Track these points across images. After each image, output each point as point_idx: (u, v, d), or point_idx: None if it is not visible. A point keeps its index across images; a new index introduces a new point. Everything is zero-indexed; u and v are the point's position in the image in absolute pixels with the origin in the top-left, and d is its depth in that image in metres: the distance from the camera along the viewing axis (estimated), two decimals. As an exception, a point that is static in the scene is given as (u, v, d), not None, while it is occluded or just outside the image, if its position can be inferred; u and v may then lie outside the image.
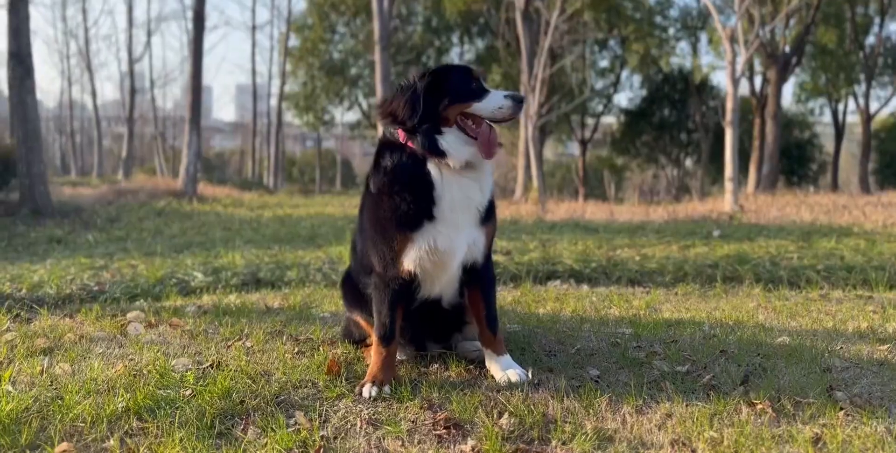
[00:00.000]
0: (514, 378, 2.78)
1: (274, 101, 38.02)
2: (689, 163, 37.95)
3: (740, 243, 6.68)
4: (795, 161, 32.44)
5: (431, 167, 2.65)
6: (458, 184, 2.66)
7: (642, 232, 8.05)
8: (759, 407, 2.48)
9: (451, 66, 2.82)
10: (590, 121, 35.93)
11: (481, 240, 2.78)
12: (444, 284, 2.83)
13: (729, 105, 13.16)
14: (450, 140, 2.63)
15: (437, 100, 2.63)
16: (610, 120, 38.00)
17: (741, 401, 2.53)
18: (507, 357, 2.88)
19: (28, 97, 12.43)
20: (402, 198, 2.66)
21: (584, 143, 35.70)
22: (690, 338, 3.35)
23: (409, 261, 2.70)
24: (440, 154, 2.62)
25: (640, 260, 5.63)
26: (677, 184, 37.58)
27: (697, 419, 2.39)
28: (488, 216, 2.79)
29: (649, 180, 44.50)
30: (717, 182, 34.09)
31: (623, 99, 72.84)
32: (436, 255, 2.69)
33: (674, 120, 34.56)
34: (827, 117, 33.62)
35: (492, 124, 2.70)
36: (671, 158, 36.85)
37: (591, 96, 31.22)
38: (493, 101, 2.65)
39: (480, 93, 2.67)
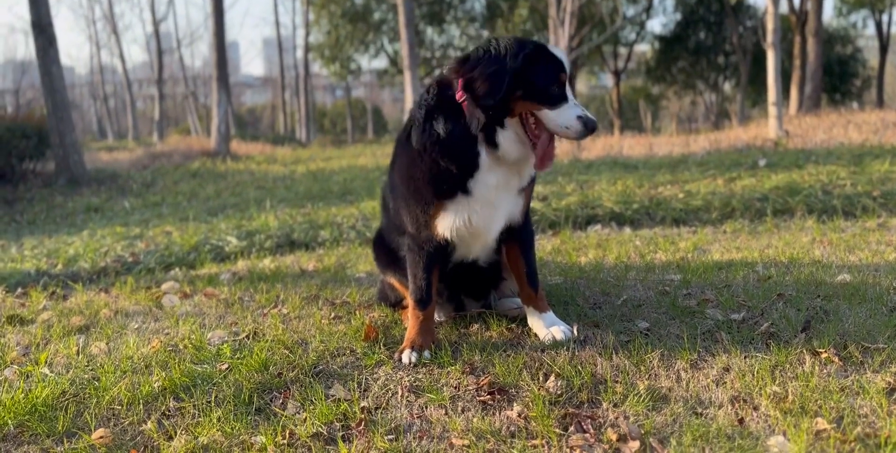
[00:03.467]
0: (558, 336, 2.65)
1: (300, 53, 37.58)
2: (727, 87, 36.71)
3: (789, 172, 6.35)
4: (838, 78, 31.09)
5: (482, 148, 2.46)
6: (502, 169, 2.50)
7: (684, 165, 7.73)
8: (824, 355, 2.31)
9: (546, 53, 2.44)
10: (622, 50, 34.81)
11: (519, 205, 2.63)
12: (479, 249, 2.70)
13: (770, 25, 12.45)
14: (508, 135, 2.44)
15: (514, 86, 2.37)
16: (643, 48, 36.81)
17: (804, 350, 2.36)
18: (551, 313, 2.75)
19: (53, 67, 12.37)
20: (444, 166, 2.48)
21: (617, 74, 34.68)
22: (744, 282, 3.16)
23: (444, 228, 2.56)
24: (493, 145, 2.44)
25: (684, 197, 5.37)
26: (716, 109, 36.47)
27: (758, 372, 2.24)
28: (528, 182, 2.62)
29: (687, 108, 43.28)
30: (757, 105, 32.97)
31: (656, 25, 70.39)
32: (470, 228, 2.55)
33: (710, 43, 33.25)
34: (870, 30, 32.02)
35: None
36: (709, 83, 35.65)
37: (623, 25, 30.11)
38: (565, 117, 2.38)
39: (558, 99, 2.40)
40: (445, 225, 2.55)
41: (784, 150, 9.46)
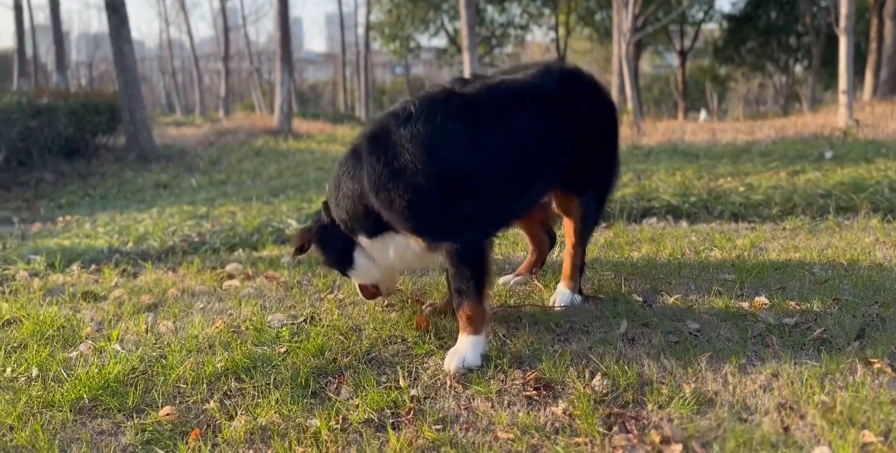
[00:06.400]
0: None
1: (361, 31, 37.71)
2: (798, 69, 35.40)
3: (856, 166, 6.16)
4: (919, 62, 29.61)
5: None
6: None
7: (747, 155, 7.56)
8: (877, 366, 2.29)
9: None
10: (689, 29, 33.88)
11: None
12: None
13: (843, 10, 11.92)
14: None
15: None
16: (711, 27, 35.72)
17: (856, 359, 2.34)
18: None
19: (125, 46, 12.76)
20: None
21: (683, 54, 33.81)
22: (799, 284, 3.12)
23: None
24: None
25: (745, 191, 5.27)
26: (786, 92, 35.24)
27: (807, 380, 2.24)
28: None
29: (755, 90, 41.93)
30: (829, 88, 31.74)
31: (725, 3, 68.02)
32: None
33: (782, 23, 32.05)
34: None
35: None
36: (779, 65, 34.43)
37: (691, 3, 29.25)
38: None
39: None
40: None
41: (853, 141, 9.14)
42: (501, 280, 3.41)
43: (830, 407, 2.08)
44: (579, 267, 3.09)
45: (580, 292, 3.08)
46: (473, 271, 2.55)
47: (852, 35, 12.06)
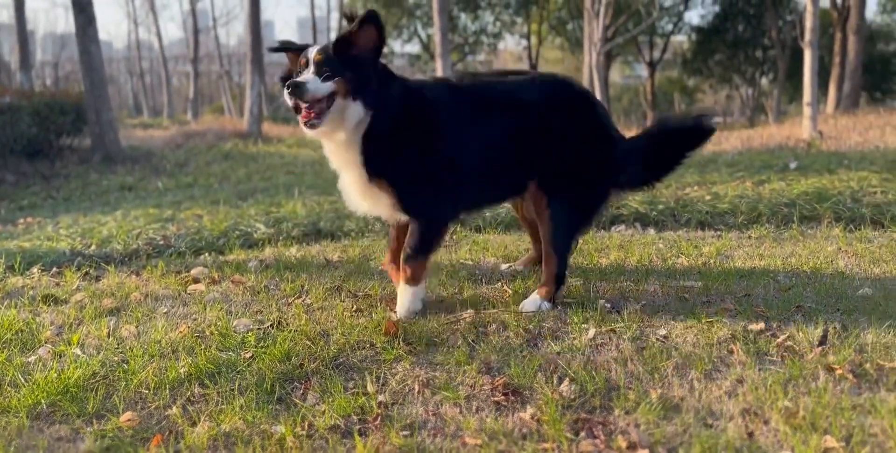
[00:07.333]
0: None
1: (334, 35, 37.59)
2: (764, 81, 36.08)
3: (819, 176, 6.28)
4: (879, 76, 30.38)
5: None
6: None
7: (714, 165, 7.66)
8: (839, 372, 2.33)
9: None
10: (659, 41, 34.35)
11: None
12: None
13: (808, 24, 12.17)
14: None
15: None
16: (680, 39, 36.24)
17: (818, 366, 2.38)
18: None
19: (92, 46, 12.56)
20: None
21: (652, 65, 34.26)
22: (764, 291, 3.17)
23: None
24: None
25: (711, 199, 5.35)
26: (752, 104, 35.90)
27: (771, 386, 2.26)
28: None
29: (722, 101, 42.62)
30: (794, 101, 32.36)
31: (694, 16, 69.29)
32: None
33: (749, 36, 32.66)
34: (916, 27, 31.27)
35: None
36: (745, 78, 35.06)
37: (661, 15, 29.69)
38: None
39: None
40: None
41: (817, 152, 9.33)
42: (503, 267, 3.81)
43: (793, 413, 2.11)
44: (555, 275, 3.13)
45: (552, 301, 3.09)
46: (432, 238, 3.05)
47: (816, 49, 12.33)
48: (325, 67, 2.75)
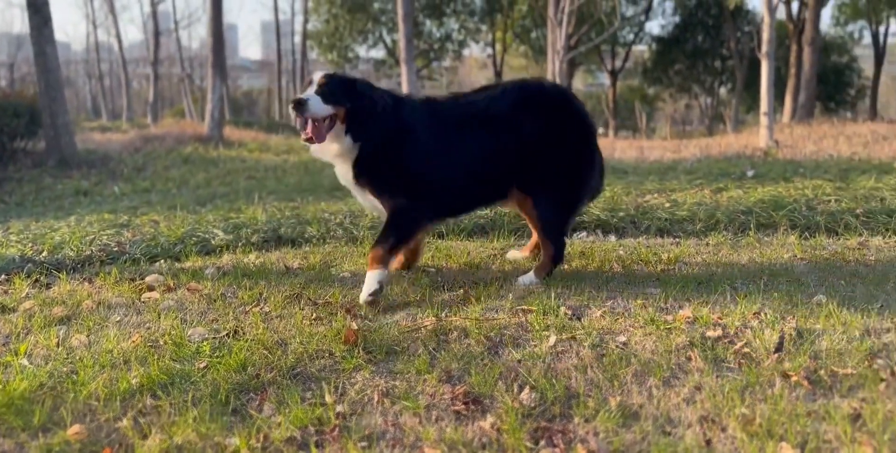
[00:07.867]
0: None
1: (298, 39, 37.36)
2: (722, 91, 36.82)
3: (775, 184, 6.40)
4: (833, 87, 31.29)
5: None
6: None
7: (673, 173, 7.78)
8: (794, 379, 2.35)
9: None
10: (620, 50, 34.88)
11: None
12: None
13: (765, 35, 12.46)
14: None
15: None
16: (641, 48, 36.85)
17: (775, 372, 2.40)
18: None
19: (48, 47, 12.27)
20: None
21: (614, 74, 34.75)
22: (722, 298, 3.20)
23: None
24: None
25: (670, 207, 5.41)
26: (711, 113, 36.59)
27: (728, 393, 2.28)
28: None
29: (682, 110, 43.36)
30: (751, 110, 33.07)
31: (655, 26, 70.43)
32: None
33: (708, 47, 33.36)
34: (866, 39, 32.25)
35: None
36: (705, 87, 35.77)
37: (622, 25, 30.12)
38: None
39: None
40: None
41: (773, 161, 9.53)
42: (509, 254, 4.18)
43: (750, 420, 2.12)
44: (551, 257, 3.61)
45: (547, 276, 3.59)
46: (396, 233, 3.38)
47: (773, 60, 12.62)
48: (327, 89, 3.19)
